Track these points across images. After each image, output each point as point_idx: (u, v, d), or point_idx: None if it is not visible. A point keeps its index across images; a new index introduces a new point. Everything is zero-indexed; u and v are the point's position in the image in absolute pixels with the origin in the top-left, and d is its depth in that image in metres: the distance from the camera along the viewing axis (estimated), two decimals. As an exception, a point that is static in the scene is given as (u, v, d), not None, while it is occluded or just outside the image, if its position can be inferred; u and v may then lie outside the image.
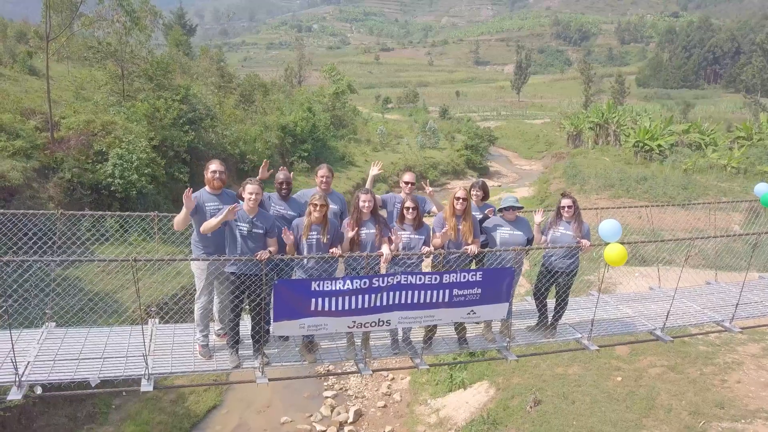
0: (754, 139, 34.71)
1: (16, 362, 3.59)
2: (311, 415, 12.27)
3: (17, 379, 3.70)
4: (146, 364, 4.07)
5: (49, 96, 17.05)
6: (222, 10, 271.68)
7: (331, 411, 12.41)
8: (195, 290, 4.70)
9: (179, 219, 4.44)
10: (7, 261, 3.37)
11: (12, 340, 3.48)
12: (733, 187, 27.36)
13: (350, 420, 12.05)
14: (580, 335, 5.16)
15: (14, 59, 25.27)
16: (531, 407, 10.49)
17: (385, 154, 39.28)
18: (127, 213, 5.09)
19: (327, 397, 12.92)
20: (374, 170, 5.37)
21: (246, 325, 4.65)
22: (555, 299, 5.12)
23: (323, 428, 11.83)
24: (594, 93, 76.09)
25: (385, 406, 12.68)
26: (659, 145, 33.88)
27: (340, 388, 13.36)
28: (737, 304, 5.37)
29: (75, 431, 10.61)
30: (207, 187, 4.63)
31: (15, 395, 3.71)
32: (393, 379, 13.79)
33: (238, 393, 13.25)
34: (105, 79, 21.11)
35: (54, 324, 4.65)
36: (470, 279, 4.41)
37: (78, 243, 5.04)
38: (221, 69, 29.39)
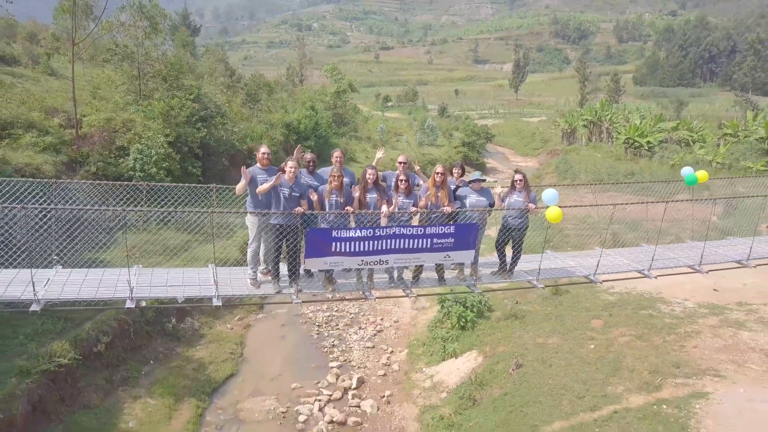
0: (741, 137, 36.02)
1: (131, 282, 5.03)
2: (318, 382, 13.68)
3: (130, 294, 5.14)
4: (216, 287, 5.52)
5: (74, 95, 18.41)
6: (222, 8, 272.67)
7: (336, 379, 13.82)
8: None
9: (240, 186, 5.97)
10: (126, 210, 4.75)
11: (129, 269, 4.89)
12: (715, 182, 28.72)
13: (353, 386, 13.46)
14: (531, 278, 6.63)
15: (33, 60, 26.65)
16: (513, 370, 11.91)
17: (384, 151, 40.68)
18: (193, 185, 6.49)
19: (332, 367, 14.33)
20: (379, 154, 7.08)
21: (282, 267, 6.13)
22: (512, 250, 6.61)
23: (329, 393, 13.24)
24: (591, 91, 77.47)
25: (384, 375, 14.10)
26: (648, 142, 35.26)
27: (344, 360, 14.78)
28: (652, 258, 6.86)
29: (111, 392, 12.02)
30: (258, 164, 6.17)
31: (129, 305, 5.15)
32: (392, 352, 15.21)
33: (253, 365, 14.70)
34: (122, 79, 22.47)
35: (141, 265, 6.08)
36: (446, 231, 5.92)
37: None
38: (230, 70, 30.78)
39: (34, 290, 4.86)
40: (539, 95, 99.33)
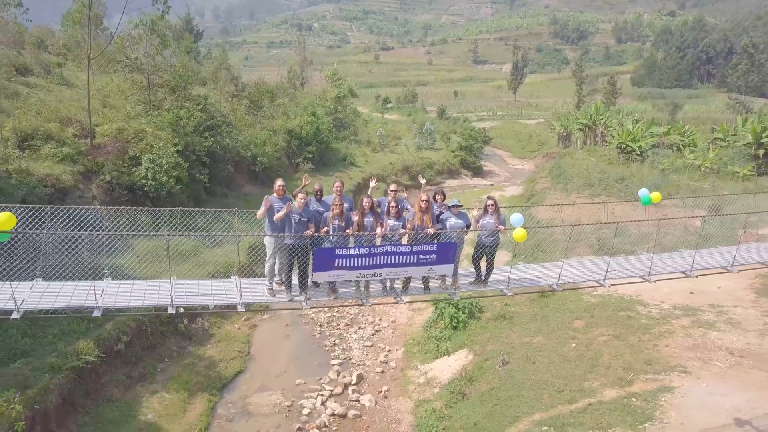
0: (730, 141, 36.93)
1: (172, 293, 6.09)
2: (321, 378, 14.73)
3: (171, 302, 6.20)
4: (240, 296, 6.61)
5: (89, 108, 19.41)
6: (222, 8, 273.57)
7: (337, 375, 14.87)
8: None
9: (260, 213, 7.16)
10: (170, 234, 5.78)
11: (171, 281, 5.95)
12: (703, 186, 29.70)
13: (353, 382, 14.51)
14: (502, 287, 7.71)
15: (45, 69, 27.59)
16: (500, 367, 12.96)
17: (384, 155, 41.72)
18: (223, 210, 7.58)
19: (334, 365, 15.39)
20: (372, 183, 8.15)
21: (294, 279, 7.21)
22: (486, 264, 7.71)
23: (331, 388, 14.28)
24: (588, 93, 78.47)
25: (382, 372, 15.15)
26: (640, 147, 36.21)
27: (345, 358, 15.83)
28: (607, 270, 7.92)
29: (131, 387, 13.08)
30: (275, 195, 7.30)
31: (171, 311, 6.22)
32: (390, 350, 16.26)
33: (259, 363, 15.74)
34: (132, 90, 23.46)
35: (176, 278, 7.13)
36: (429, 249, 7.05)
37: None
38: (235, 79, 31.82)
39: (95, 299, 5.93)
40: (538, 96, 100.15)
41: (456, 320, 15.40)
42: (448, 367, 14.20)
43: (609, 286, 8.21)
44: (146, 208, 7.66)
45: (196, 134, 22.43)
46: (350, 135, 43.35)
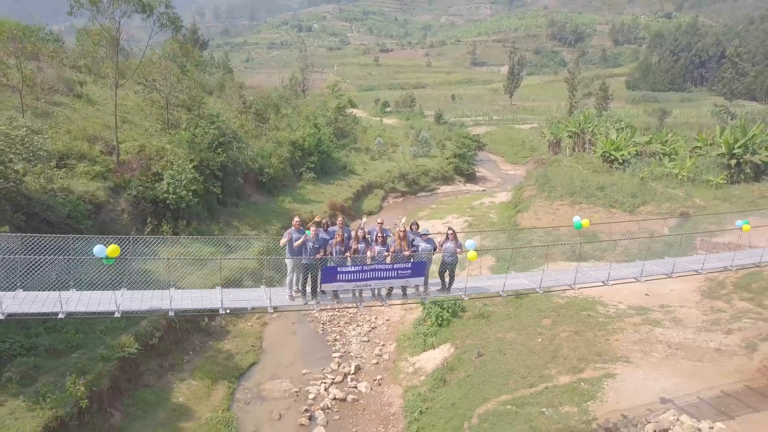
0: (707, 151, 39.05)
1: (222, 298, 8.41)
2: (324, 369, 17.04)
3: (222, 305, 8.53)
4: (270, 300, 8.96)
5: (116, 130, 21.68)
6: (223, 8, 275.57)
7: (338, 366, 17.18)
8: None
9: (283, 242, 9.45)
10: (225, 259, 8.06)
11: (219, 290, 8.29)
12: (677, 194, 31.94)
13: (352, 372, 16.82)
14: (461, 293, 10.05)
15: (68, 88, 29.81)
16: (475, 358, 15.27)
17: (382, 162, 44.01)
18: (247, 236, 9.92)
19: (335, 357, 17.70)
20: (365, 219, 10.48)
21: (307, 288, 9.59)
22: (448, 276, 10.09)
23: (333, 377, 16.60)
24: (582, 97, 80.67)
25: (377, 363, 17.47)
26: (622, 155, 38.45)
27: (345, 351, 18.15)
28: (542, 280, 10.26)
29: (163, 375, 15.39)
30: (293, 228, 9.55)
31: (222, 312, 8.51)
32: (384, 345, 18.59)
33: (270, 355, 18.04)
34: (151, 109, 25.72)
35: (221, 286, 9.42)
36: (406, 266, 9.38)
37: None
38: (243, 96, 34.10)
39: (170, 303, 8.24)
40: (534, 99, 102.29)
41: (441, 318, 17.71)
42: (433, 358, 16.52)
43: (543, 292, 10.51)
44: (206, 237, 9.92)
45: (210, 150, 24.69)
46: (350, 143, 45.56)
